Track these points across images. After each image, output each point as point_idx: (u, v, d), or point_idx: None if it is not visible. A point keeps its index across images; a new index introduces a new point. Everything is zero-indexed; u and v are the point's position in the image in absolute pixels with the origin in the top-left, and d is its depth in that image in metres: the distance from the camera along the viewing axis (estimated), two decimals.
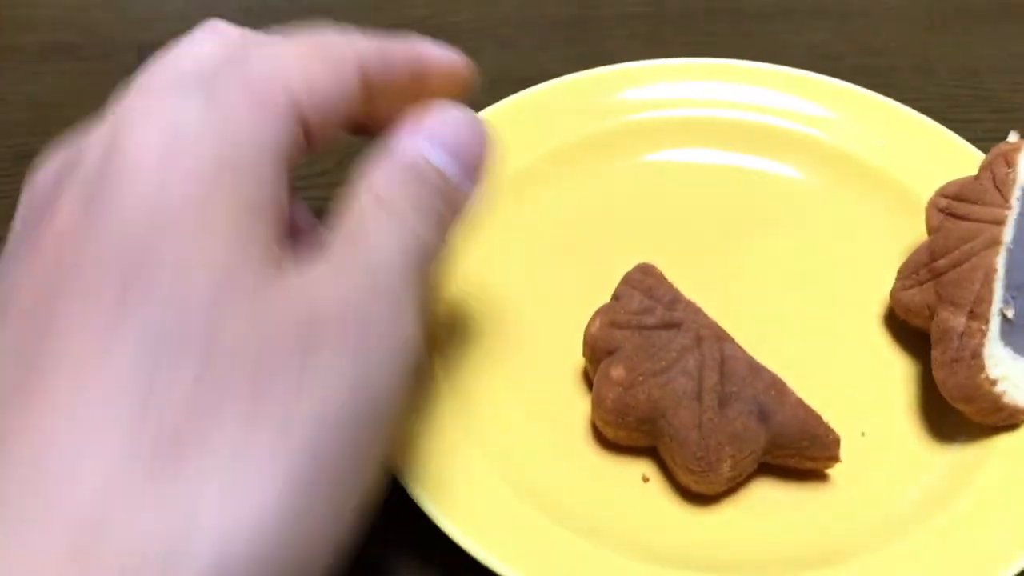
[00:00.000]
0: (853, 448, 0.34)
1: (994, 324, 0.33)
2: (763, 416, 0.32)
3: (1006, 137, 0.36)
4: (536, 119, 0.45)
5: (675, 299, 0.34)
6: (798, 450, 0.33)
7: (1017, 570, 0.30)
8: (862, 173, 0.43)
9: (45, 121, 0.52)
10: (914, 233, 0.39)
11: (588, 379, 0.36)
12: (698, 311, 0.34)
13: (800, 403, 0.32)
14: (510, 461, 0.34)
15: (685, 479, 0.33)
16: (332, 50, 0.27)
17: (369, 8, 0.58)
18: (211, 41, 0.27)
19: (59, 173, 0.25)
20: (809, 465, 0.34)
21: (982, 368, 0.32)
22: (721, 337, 0.33)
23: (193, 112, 0.23)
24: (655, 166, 0.45)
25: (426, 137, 0.26)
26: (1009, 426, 0.34)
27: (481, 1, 0.58)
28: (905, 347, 0.38)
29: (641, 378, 0.32)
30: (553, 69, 0.47)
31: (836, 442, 0.33)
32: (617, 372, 0.32)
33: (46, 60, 0.55)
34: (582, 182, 0.44)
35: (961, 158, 0.41)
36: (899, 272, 0.37)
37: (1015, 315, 0.34)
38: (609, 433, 0.34)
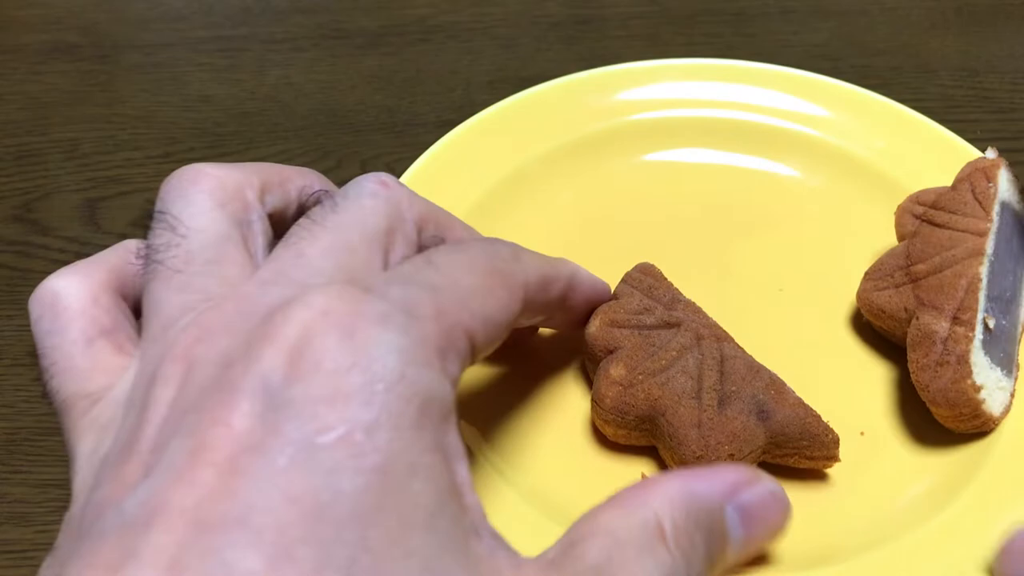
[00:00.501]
0: (852, 448, 0.34)
1: (978, 332, 0.33)
2: (762, 415, 0.32)
3: (1006, 137, 0.36)
4: (536, 119, 0.45)
5: (675, 299, 0.35)
6: (797, 449, 0.33)
7: None
8: (862, 173, 0.43)
9: (45, 121, 0.52)
10: None
11: (588, 378, 0.36)
12: (698, 310, 0.34)
13: (800, 403, 0.32)
14: (510, 460, 0.34)
15: None
16: (510, 279, 0.28)
17: (370, 7, 0.58)
18: (401, 241, 0.28)
19: (227, 356, 0.22)
20: (808, 464, 0.34)
21: (968, 374, 0.33)
22: (720, 337, 0.33)
23: (397, 347, 0.21)
24: (655, 166, 0.45)
25: (733, 497, 0.26)
26: (980, 433, 0.34)
27: (481, 0, 0.58)
28: (905, 347, 0.38)
29: (641, 377, 0.32)
30: (553, 69, 0.47)
31: (835, 442, 0.33)
32: (617, 371, 0.33)
33: (46, 60, 0.55)
34: (582, 182, 0.44)
35: (961, 158, 0.41)
36: (868, 274, 0.37)
37: (994, 326, 0.34)
38: (609, 432, 0.34)
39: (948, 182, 0.38)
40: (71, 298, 0.26)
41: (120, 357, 0.25)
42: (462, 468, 0.22)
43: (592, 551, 0.23)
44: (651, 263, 0.36)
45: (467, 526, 0.21)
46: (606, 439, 0.34)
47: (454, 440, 0.22)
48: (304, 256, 0.25)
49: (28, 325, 0.43)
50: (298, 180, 0.30)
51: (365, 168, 0.49)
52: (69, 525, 0.22)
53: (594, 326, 0.34)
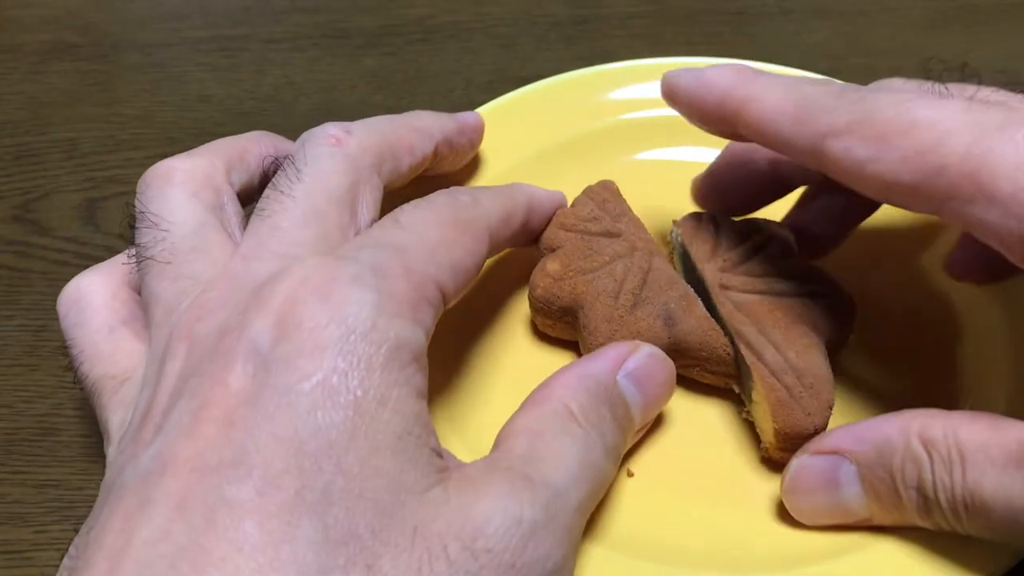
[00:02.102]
0: None
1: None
2: (669, 321, 0.34)
3: None
4: (531, 117, 0.45)
5: (622, 213, 0.37)
6: (697, 361, 0.35)
7: (1009, 567, 0.30)
8: None
9: (44, 121, 0.52)
10: (913, 231, 0.39)
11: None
12: (640, 227, 0.37)
13: (706, 317, 0.35)
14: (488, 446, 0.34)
15: None
16: (473, 226, 0.30)
17: (370, 7, 0.58)
18: (365, 191, 0.31)
19: (223, 328, 0.25)
20: (710, 379, 0.35)
21: None
22: (652, 252, 0.36)
23: (368, 302, 0.25)
24: (649, 164, 0.45)
25: (624, 369, 0.30)
26: None
27: (481, 0, 0.58)
28: (905, 347, 0.38)
29: (571, 273, 0.35)
30: (553, 69, 0.47)
31: (731, 358, 0.34)
32: (552, 266, 0.36)
33: (45, 60, 0.55)
34: (576, 180, 0.44)
35: None
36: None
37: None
38: (537, 321, 0.37)
39: None
40: (94, 294, 0.30)
41: (138, 343, 0.29)
42: (424, 402, 0.25)
43: (518, 446, 0.27)
44: (613, 180, 0.39)
45: (429, 444, 0.25)
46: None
47: (420, 379, 0.25)
48: (280, 229, 0.28)
49: (27, 325, 0.43)
50: (255, 149, 0.33)
51: None
52: (102, 490, 0.25)
53: (546, 228, 0.37)
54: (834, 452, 0.30)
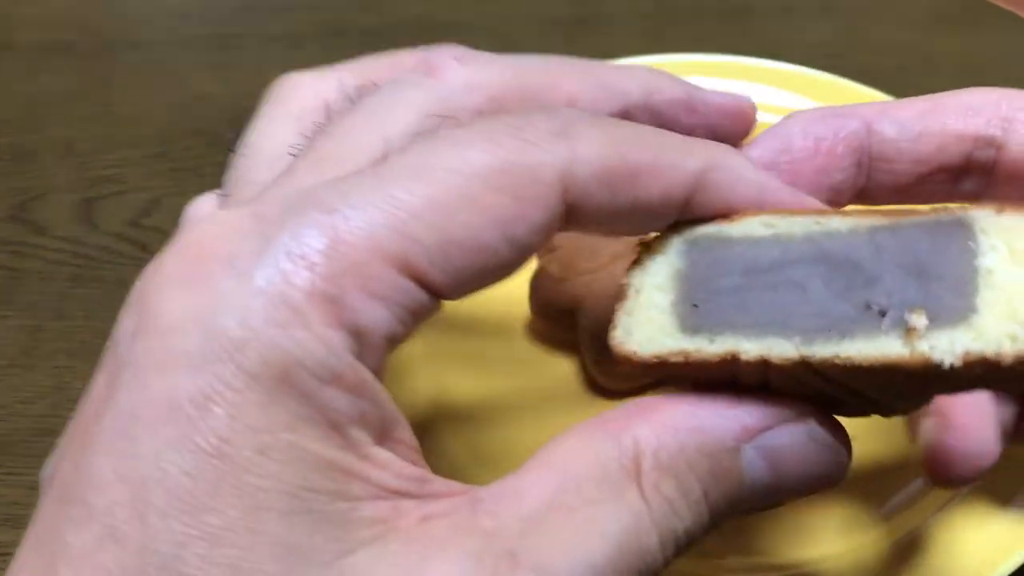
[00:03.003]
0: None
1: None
2: None
3: None
4: None
5: None
6: None
7: (1012, 568, 0.30)
8: None
9: (41, 119, 0.52)
10: None
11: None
12: None
13: None
14: (490, 451, 0.34)
15: (592, 370, 0.35)
16: (525, 178, 0.21)
17: (370, 5, 0.58)
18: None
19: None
20: None
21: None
22: None
23: (240, 303, 0.18)
24: None
25: (760, 439, 0.21)
26: None
27: None
28: None
29: (572, 275, 0.35)
30: None
31: None
32: (552, 268, 0.35)
33: (42, 58, 0.55)
34: None
35: None
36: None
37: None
38: (539, 324, 0.36)
39: None
40: None
41: None
42: (358, 433, 0.19)
43: (533, 492, 0.20)
44: None
45: (350, 494, 0.19)
46: None
47: (345, 405, 0.19)
48: (295, 173, 0.22)
49: (23, 325, 0.43)
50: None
51: None
52: None
53: None
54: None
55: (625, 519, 0.19)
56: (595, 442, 0.20)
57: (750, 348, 0.22)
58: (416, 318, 0.20)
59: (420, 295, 0.20)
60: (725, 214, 0.24)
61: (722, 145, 0.24)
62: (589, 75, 0.26)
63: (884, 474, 0.34)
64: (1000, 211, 0.22)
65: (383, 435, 0.20)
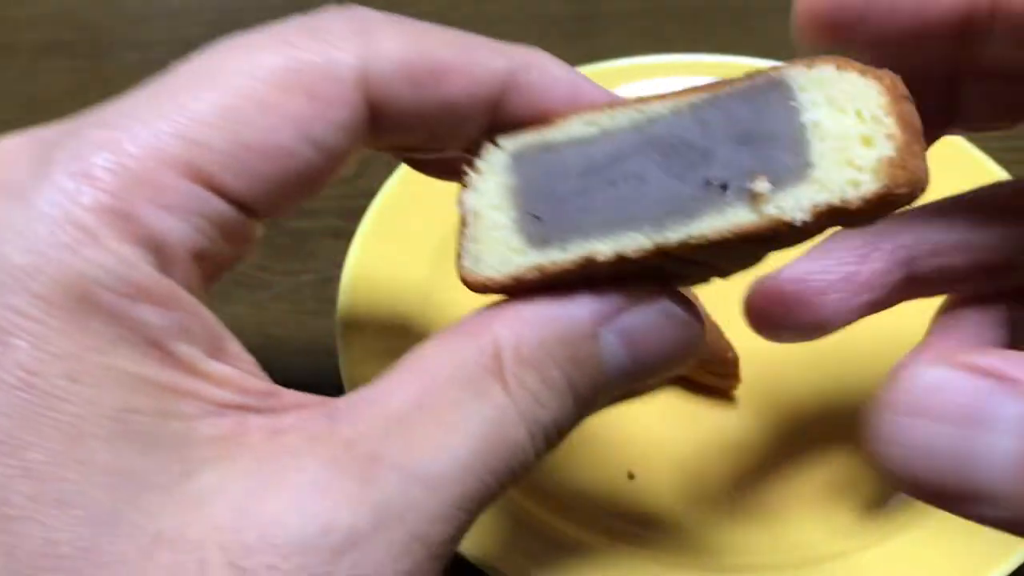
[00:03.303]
0: (844, 448, 0.34)
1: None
2: None
3: (1010, 135, 0.35)
4: None
5: None
6: (700, 363, 0.34)
7: (1012, 569, 0.30)
8: None
9: (41, 119, 0.52)
10: None
11: None
12: None
13: (707, 316, 0.34)
14: None
15: None
16: (316, 75, 0.21)
17: (369, 4, 0.58)
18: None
19: None
20: (712, 380, 0.35)
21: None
22: None
23: (21, 227, 0.18)
24: None
25: (615, 323, 0.21)
26: None
27: None
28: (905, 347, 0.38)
29: None
30: None
31: (734, 361, 0.34)
32: None
33: (41, 58, 0.55)
34: None
35: (962, 156, 0.41)
36: None
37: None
38: None
39: (949, 179, 0.37)
40: None
41: None
42: (185, 348, 0.19)
43: (395, 397, 0.19)
44: None
45: (182, 409, 0.18)
46: (591, 438, 0.34)
47: (157, 320, 0.18)
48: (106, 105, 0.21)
49: None
50: None
51: (367, 168, 0.48)
52: None
53: None
54: (996, 375, 0.18)
55: (490, 415, 0.19)
56: (455, 345, 0.20)
57: (604, 248, 0.22)
58: (222, 230, 0.20)
59: (218, 204, 0.20)
60: (541, 121, 0.23)
61: (535, 48, 0.24)
62: (465, 47, 0.23)
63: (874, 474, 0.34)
64: (811, 66, 0.22)
65: (216, 350, 0.20)
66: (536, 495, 0.33)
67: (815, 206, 0.21)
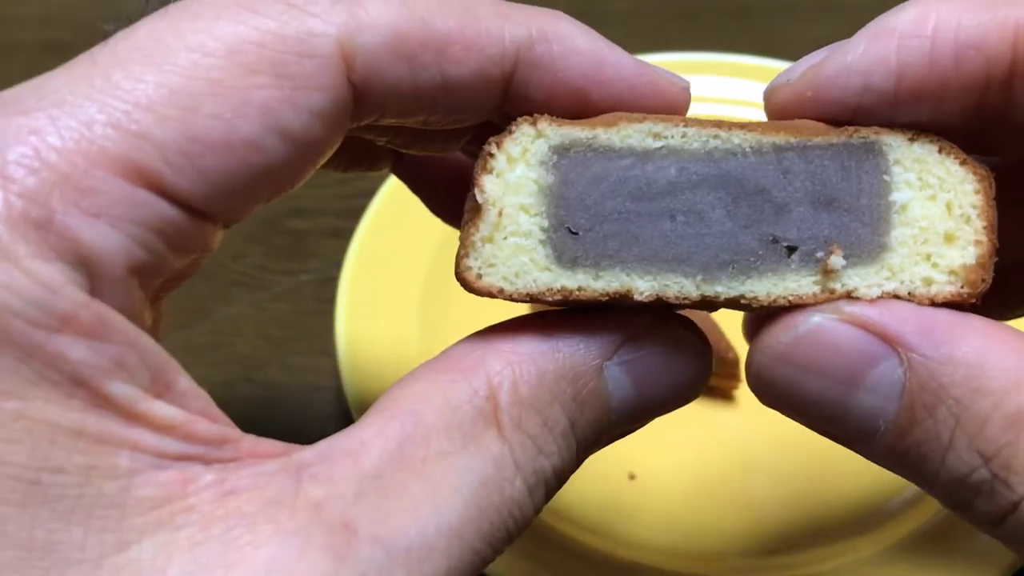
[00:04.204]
0: (844, 448, 0.34)
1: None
2: None
3: None
4: None
5: None
6: None
7: (1013, 571, 0.30)
8: None
9: None
10: None
11: None
12: None
13: (708, 317, 0.34)
14: None
15: None
16: (279, 49, 0.17)
17: None
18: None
19: None
20: (712, 381, 0.34)
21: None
22: None
23: None
24: None
25: (619, 355, 0.19)
26: None
27: None
28: None
29: None
30: None
31: (735, 361, 0.34)
32: None
33: (37, 58, 0.55)
34: None
35: None
36: None
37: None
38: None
39: None
40: None
41: None
42: (120, 388, 0.15)
43: (373, 448, 0.16)
44: None
45: (121, 470, 0.15)
46: None
47: (87, 353, 0.15)
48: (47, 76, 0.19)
49: None
50: None
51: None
52: None
53: None
54: (884, 336, 0.19)
55: (482, 468, 0.17)
56: (443, 383, 0.17)
57: (644, 287, 0.20)
58: (168, 240, 0.16)
59: (163, 208, 0.16)
60: (594, 112, 0.20)
61: (554, 13, 0.20)
62: (469, 14, 0.19)
63: (884, 476, 0.34)
64: (913, 139, 0.21)
65: (160, 387, 0.16)
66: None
67: (883, 292, 0.20)
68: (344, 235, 0.41)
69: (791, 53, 0.48)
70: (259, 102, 0.16)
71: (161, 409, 0.16)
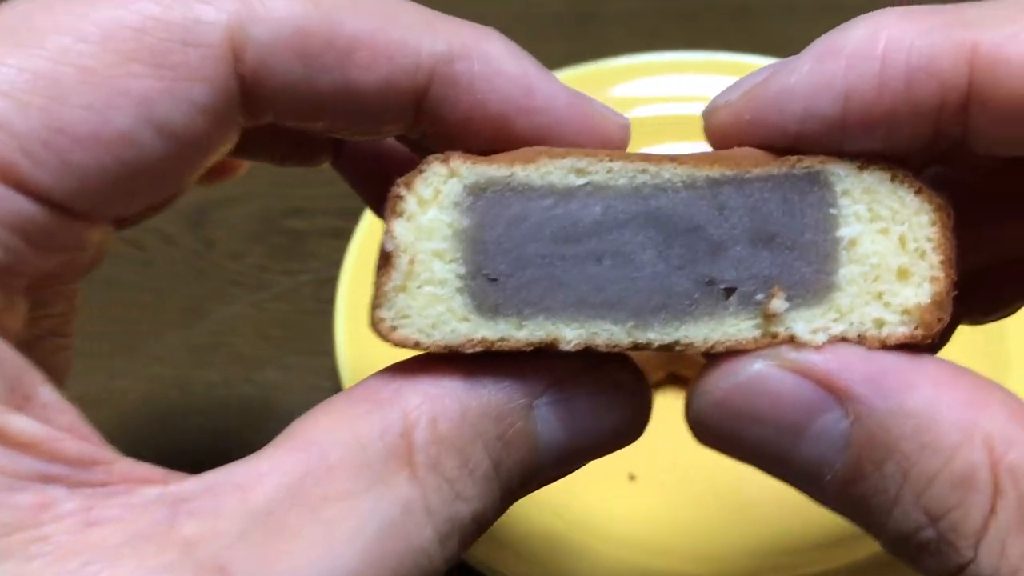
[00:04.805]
0: None
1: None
2: None
3: None
4: None
5: None
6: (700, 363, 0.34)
7: None
8: None
9: None
10: None
11: None
12: None
13: None
14: None
15: None
16: (158, 38, 0.15)
17: None
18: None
19: None
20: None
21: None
22: None
23: None
24: None
25: (550, 393, 0.18)
26: None
27: None
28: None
29: None
30: (553, 66, 0.47)
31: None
32: None
33: None
34: None
35: None
36: None
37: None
38: None
39: None
40: None
41: None
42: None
43: (268, 481, 0.14)
44: None
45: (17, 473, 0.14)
46: None
47: None
48: None
49: None
50: None
51: None
52: None
53: None
54: (829, 386, 0.18)
55: (388, 512, 0.15)
56: (355, 417, 0.16)
57: (571, 335, 0.18)
58: (28, 238, 0.15)
59: (21, 203, 0.14)
60: (519, 145, 0.19)
61: (484, 28, 0.19)
62: (386, 18, 0.18)
63: None
64: (863, 167, 0.19)
65: (18, 399, 0.14)
66: (536, 498, 0.33)
67: (831, 336, 0.19)
68: (344, 235, 0.41)
69: (791, 53, 0.48)
70: (135, 93, 0.15)
71: (18, 423, 0.14)
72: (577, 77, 0.46)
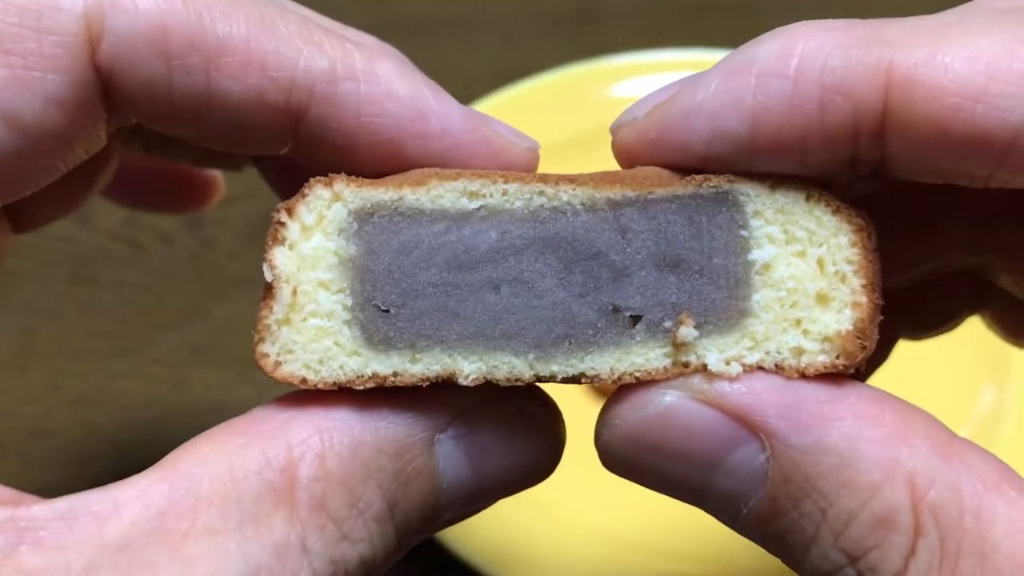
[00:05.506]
0: None
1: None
2: None
3: None
4: (532, 112, 0.44)
5: None
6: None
7: None
8: None
9: None
10: None
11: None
12: None
13: None
14: None
15: None
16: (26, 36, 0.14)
17: (368, 3, 0.57)
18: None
19: None
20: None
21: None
22: None
23: None
24: None
25: (455, 427, 0.17)
26: None
27: None
28: (910, 348, 0.37)
29: None
30: (554, 65, 0.47)
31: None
32: None
33: None
34: None
35: None
36: None
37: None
38: None
39: None
40: None
41: None
42: None
43: (131, 510, 0.13)
44: None
45: None
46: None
47: None
48: None
49: (17, 326, 0.43)
50: None
51: None
52: None
53: None
54: (742, 420, 0.17)
55: (256, 555, 0.14)
56: (232, 448, 0.15)
57: (470, 369, 0.17)
58: None
59: None
60: (398, 168, 0.18)
61: (377, 45, 0.18)
62: (263, 25, 0.16)
63: None
64: (775, 186, 0.18)
65: None
66: (535, 500, 0.33)
67: (746, 366, 0.18)
68: None
69: None
70: None
71: None
72: (578, 75, 0.45)
